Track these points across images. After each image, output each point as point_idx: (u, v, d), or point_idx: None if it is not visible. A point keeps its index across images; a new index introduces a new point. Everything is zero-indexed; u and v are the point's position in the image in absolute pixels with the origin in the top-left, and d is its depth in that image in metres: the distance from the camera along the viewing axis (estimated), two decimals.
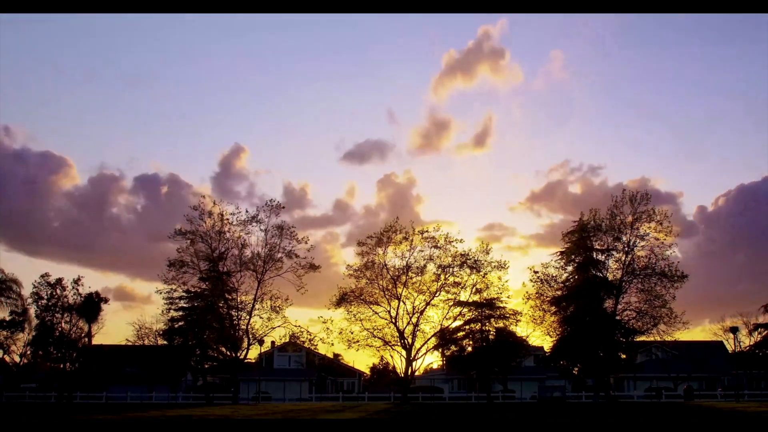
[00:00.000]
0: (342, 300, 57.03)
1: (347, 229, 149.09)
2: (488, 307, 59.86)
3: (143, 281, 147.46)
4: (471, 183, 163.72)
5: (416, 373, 70.07)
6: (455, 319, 60.39)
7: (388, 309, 57.96)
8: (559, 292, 55.71)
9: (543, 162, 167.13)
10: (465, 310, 60.08)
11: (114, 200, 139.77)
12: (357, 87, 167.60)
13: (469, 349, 61.82)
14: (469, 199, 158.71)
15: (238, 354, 57.20)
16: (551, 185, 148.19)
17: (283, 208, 57.20)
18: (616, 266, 54.06)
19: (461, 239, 58.27)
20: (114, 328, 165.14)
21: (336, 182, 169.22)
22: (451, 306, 59.37)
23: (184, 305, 59.00)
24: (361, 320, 57.84)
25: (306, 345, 63.48)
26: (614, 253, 53.87)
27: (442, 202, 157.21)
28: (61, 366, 68.20)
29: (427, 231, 57.77)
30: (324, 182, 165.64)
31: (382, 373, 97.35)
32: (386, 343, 59.00)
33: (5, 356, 72.39)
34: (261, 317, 56.76)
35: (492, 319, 61.21)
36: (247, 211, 56.82)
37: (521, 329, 62.00)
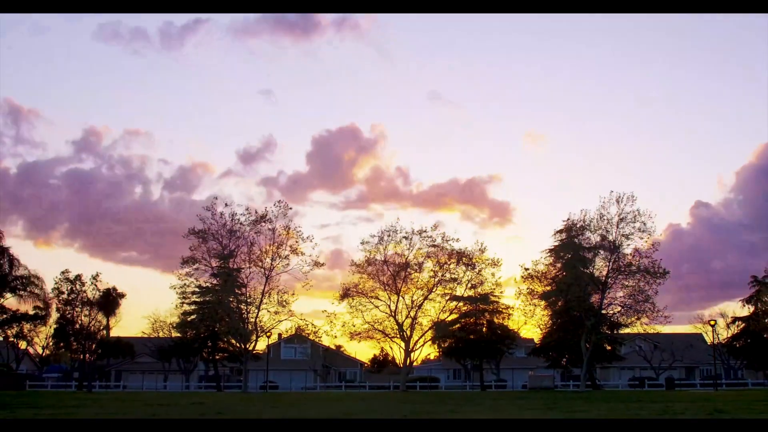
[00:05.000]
0: (345, 294, 57.87)
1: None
2: (482, 302, 60.54)
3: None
4: None
5: (414, 364, 70.70)
6: (451, 312, 61.03)
7: (388, 303, 58.63)
8: (548, 288, 56.19)
9: None
10: (460, 304, 60.74)
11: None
12: None
13: (464, 341, 62.41)
14: None
15: (247, 345, 57.66)
16: None
17: (291, 209, 57.71)
18: (602, 263, 54.52)
19: (457, 238, 59.13)
20: (130, 321, 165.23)
21: None
22: (447, 301, 60.00)
23: (197, 300, 59.51)
24: (362, 313, 58.60)
25: (311, 337, 63.95)
26: (601, 251, 54.31)
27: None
28: (81, 357, 68.71)
29: (425, 231, 58.44)
30: None
31: (382, 363, 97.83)
32: (386, 335, 59.64)
33: (29, 348, 72.96)
34: (269, 311, 57.30)
35: (486, 313, 61.88)
36: (256, 212, 57.23)
37: (513, 323, 62.63)
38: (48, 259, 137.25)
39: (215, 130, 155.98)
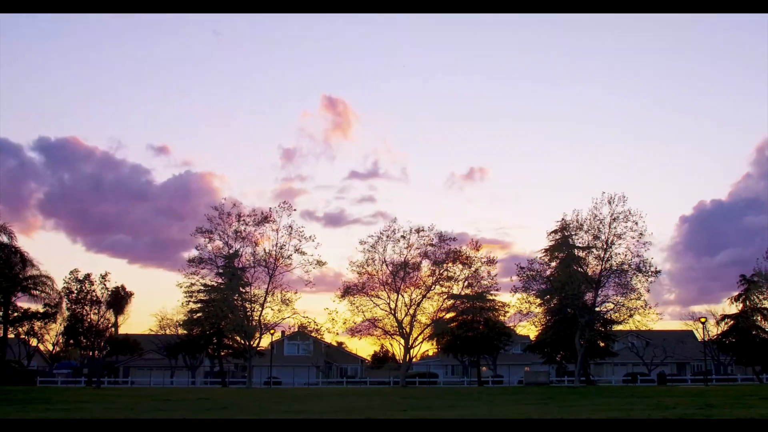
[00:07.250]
0: (346, 292, 57.91)
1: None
2: (479, 300, 60.51)
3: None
4: None
5: (414, 360, 70.70)
6: (449, 310, 61.04)
7: (388, 301, 58.64)
8: (543, 286, 56.19)
9: None
10: (458, 302, 60.72)
11: None
12: None
13: (462, 338, 62.46)
14: None
15: (252, 342, 57.70)
16: None
17: (294, 210, 57.81)
18: (595, 262, 54.53)
19: (454, 237, 59.22)
20: (132, 315, 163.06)
21: None
22: (445, 299, 59.98)
23: (203, 298, 59.57)
24: (363, 311, 58.59)
25: (313, 334, 63.95)
26: (594, 250, 54.32)
27: None
28: (90, 354, 68.70)
29: (422, 230, 58.41)
30: None
31: (382, 359, 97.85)
32: (386, 332, 59.64)
33: (39, 345, 72.94)
34: (272, 309, 57.38)
35: (482, 311, 61.88)
36: (261, 213, 57.31)
37: (509, 320, 62.66)
38: (27, 244, 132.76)
39: (204, 109, 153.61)
